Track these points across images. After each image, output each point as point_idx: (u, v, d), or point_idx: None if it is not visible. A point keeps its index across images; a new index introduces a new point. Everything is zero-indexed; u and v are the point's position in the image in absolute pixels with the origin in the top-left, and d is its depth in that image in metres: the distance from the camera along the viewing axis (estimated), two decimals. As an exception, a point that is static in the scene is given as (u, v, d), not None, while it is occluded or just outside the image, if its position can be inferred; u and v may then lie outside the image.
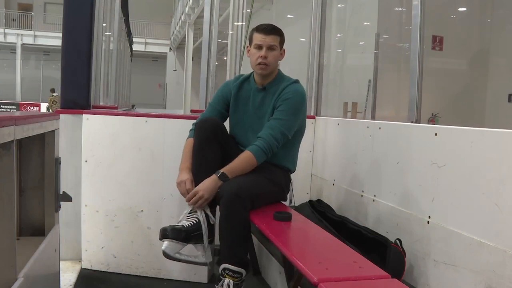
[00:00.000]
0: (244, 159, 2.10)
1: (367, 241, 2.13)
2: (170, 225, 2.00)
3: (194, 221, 2.02)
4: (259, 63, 2.20)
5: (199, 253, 2.04)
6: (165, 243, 1.95)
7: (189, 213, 2.06)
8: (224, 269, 1.97)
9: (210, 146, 2.12)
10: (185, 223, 2.01)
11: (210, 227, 2.06)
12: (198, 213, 2.04)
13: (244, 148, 2.21)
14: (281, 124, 2.15)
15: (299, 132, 2.30)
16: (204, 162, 2.11)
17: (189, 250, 2.03)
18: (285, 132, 2.16)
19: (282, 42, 2.25)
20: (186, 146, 2.25)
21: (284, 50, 2.28)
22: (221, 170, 2.06)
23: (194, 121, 2.30)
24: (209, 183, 2.03)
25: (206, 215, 2.05)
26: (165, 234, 1.96)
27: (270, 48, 2.20)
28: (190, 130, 2.30)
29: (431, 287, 1.85)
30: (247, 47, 2.29)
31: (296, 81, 2.27)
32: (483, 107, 6.10)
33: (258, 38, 2.21)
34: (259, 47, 2.20)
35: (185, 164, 2.17)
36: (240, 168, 2.09)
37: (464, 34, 6.21)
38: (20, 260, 1.26)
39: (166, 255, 1.95)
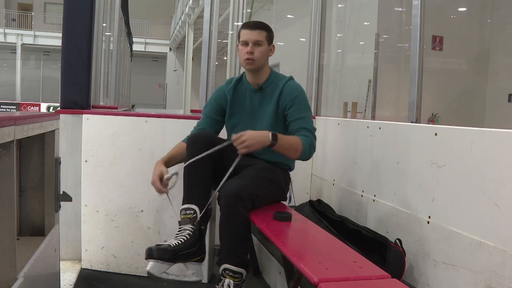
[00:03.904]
0: (294, 140, 2.09)
1: (367, 241, 2.13)
2: (156, 245, 1.90)
3: (182, 239, 1.93)
4: (246, 59, 2.20)
5: (189, 272, 1.95)
6: (150, 263, 1.84)
7: (178, 231, 1.98)
8: (225, 269, 1.96)
9: (201, 162, 2.06)
10: (173, 241, 1.92)
11: (201, 244, 1.98)
12: (188, 226, 1.96)
13: None
14: (306, 122, 2.17)
15: None
16: (196, 177, 2.07)
17: (179, 268, 1.93)
18: (313, 127, 2.19)
19: (269, 37, 2.24)
20: (175, 145, 2.26)
21: (273, 46, 2.28)
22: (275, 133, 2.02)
23: (195, 122, 2.33)
24: (259, 135, 2.00)
25: (196, 230, 1.97)
26: (150, 254, 1.85)
27: (256, 43, 2.19)
28: (187, 136, 2.28)
29: (431, 287, 1.85)
30: (237, 45, 2.30)
31: (292, 78, 2.30)
32: (483, 107, 6.10)
33: (243, 34, 2.21)
34: (246, 43, 2.20)
35: (164, 157, 2.21)
36: (289, 142, 2.07)
37: (464, 34, 6.20)
38: (20, 260, 1.26)
39: (151, 275, 1.84)
